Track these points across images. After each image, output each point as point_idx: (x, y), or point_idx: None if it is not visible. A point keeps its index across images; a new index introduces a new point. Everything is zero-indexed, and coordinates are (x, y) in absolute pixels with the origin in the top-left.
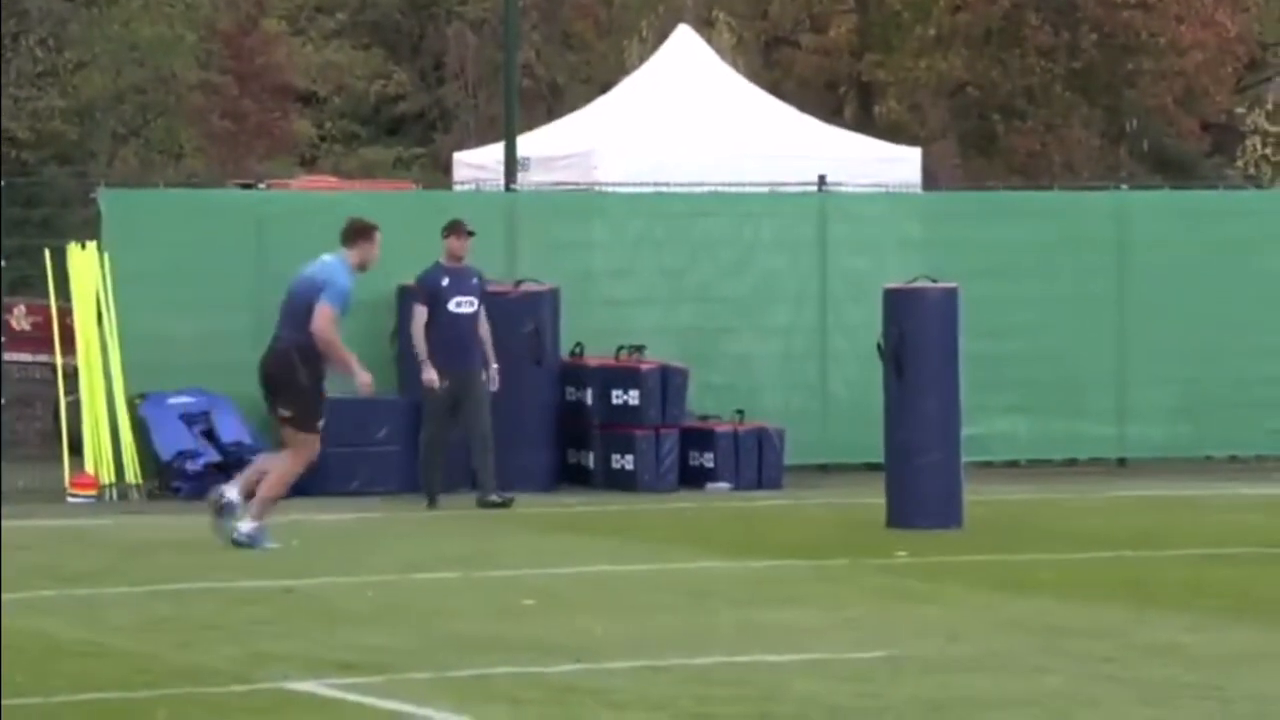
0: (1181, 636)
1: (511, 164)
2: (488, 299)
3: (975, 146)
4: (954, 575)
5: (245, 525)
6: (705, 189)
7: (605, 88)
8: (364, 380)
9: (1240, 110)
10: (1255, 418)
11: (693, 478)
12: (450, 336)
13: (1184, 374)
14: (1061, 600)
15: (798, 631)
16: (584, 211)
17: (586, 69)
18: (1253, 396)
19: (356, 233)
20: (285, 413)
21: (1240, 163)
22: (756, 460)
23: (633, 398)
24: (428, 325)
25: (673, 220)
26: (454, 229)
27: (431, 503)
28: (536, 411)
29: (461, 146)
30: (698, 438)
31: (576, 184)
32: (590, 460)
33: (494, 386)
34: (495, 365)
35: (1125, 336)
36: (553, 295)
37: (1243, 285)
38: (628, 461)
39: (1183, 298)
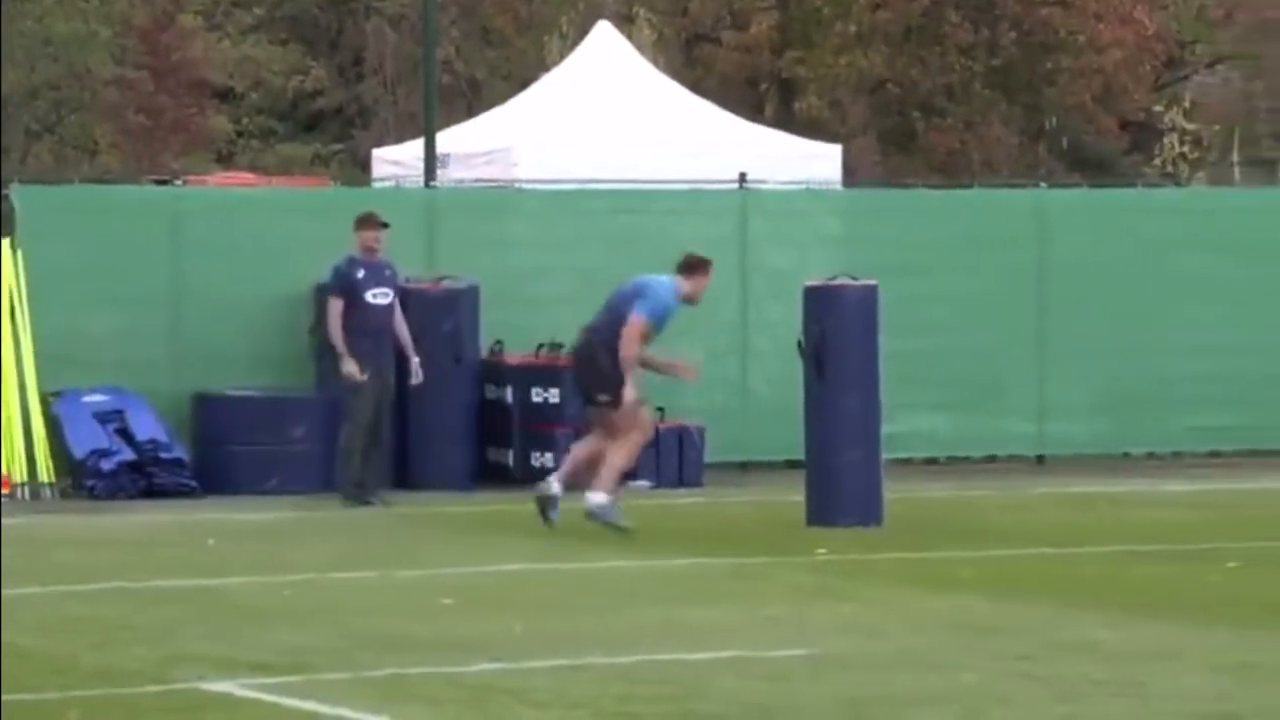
0: (1099, 633)
1: (431, 161)
2: (408, 295)
3: (895, 144)
4: (874, 573)
5: (597, 497)
6: (626, 186)
7: (525, 84)
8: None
9: (1158, 108)
10: (1174, 415)
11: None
12: (369, 328)
13: (1103, 371)
14: (980, 597)
15: (718, 629)
16: (504, 208)
17: (506, 65)
18: (1171, 394)
19: (693, 266)
20: (603, 398)
21: (1158, 160)
22: (677, 458)
23: (553, 395)
24: (344, 317)
25: (593, 217)
26: (366, 221)
27: (364, 500)
28: (456, 409)
29: (380, 143)
30: None
31: (496, 181)
32: (510, 458)
33: (418, 379)
34: (416, 359)
35: (1045, 334)
36: (472, 292)
37: (1162, 283)
38: (548, 459)
39: (1102, 296)
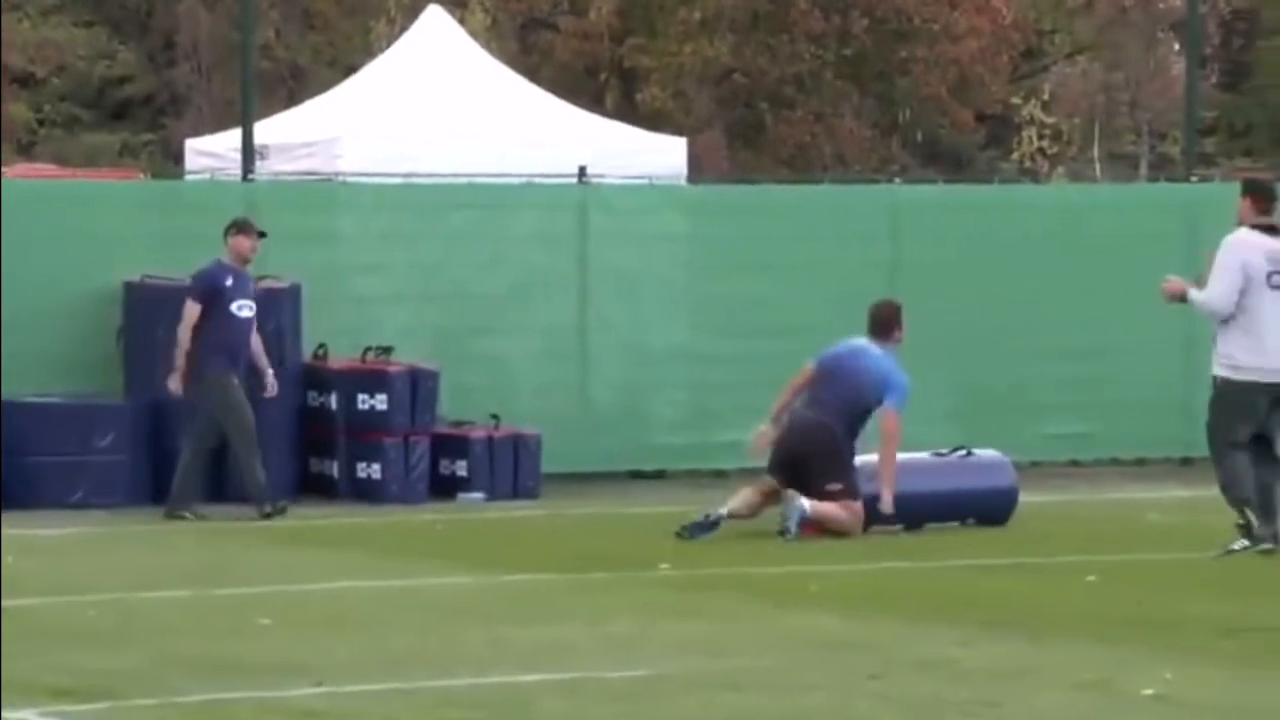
0: (953, 650)
1: (249, 152)
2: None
3: (743, 137)
4: (719, 588)
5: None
6: (458, 180)
7: (350, 71)
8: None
9: (1016, 101)
10: (1030, 422)
11: (444, 487)
12: (232, 340)
13: (958, 376)
14: (829, 614)
15: (554, 649)
16: (328, 203)
17: (330, 51)
18: (1028, 400)
19: (890, 321)
20: (834, 487)
21: (1016, 155)
22: (512, 468)
23: (380, 402)
24: (201, 326)
25: (423, 213)
26: (243, 227)
27: (189, 513)
28: (276, 417)
29: (194, 133)
30: (450, 445)
31: (319, 173)
32: (334, 469)
33: (272, 392)
34: (270, 371)
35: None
36: (294, 292)
37: (1020, 284)
38: (374, 470)
39: (957, 297)
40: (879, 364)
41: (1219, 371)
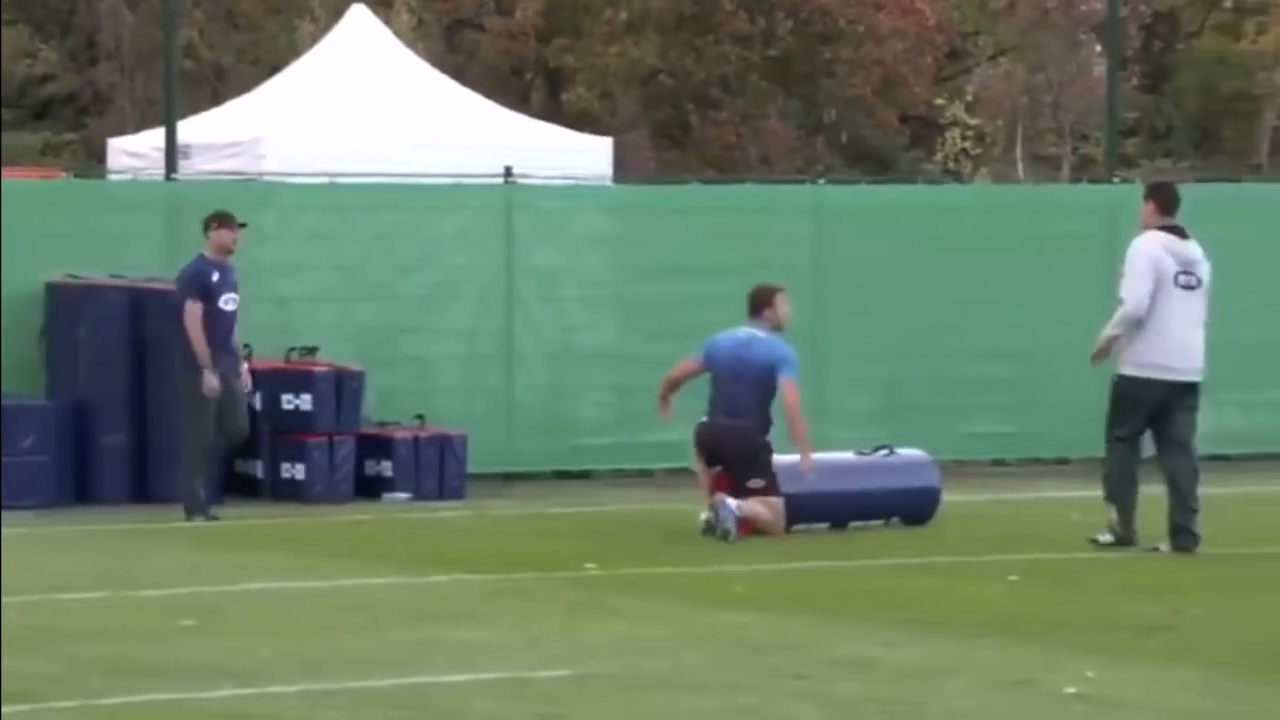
0: (877, 650)
1: (172, 151)
2: (147, 297)
3: (668, 137)
4: (645, 588)
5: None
6: (383, 180)
7: (274, 70)
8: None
9: (940, 102)
10: (952, 421)
11: (369, 488)
12: (221, 335)
13: (881, 375)
14: (755, 613)
15: (479, 650)
16: (252, 203)
17: (254, 50)
18: (950, 400)
19: (766, 299)
20: (757, 484)
21: (940, 156)
22: (438, 469)
23: (304, 402)
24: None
25: (348, 213)
26: (224, 220)
27: (204, 514)
28: None
29: (117, 132)
30: (375, 445)
31: (243, 173)
32: (259, 470)
33: (248, 386)
34: (246, 365)
35: (822, 336)
36: None
37: (942, 284)
38: (299, 471)
39: (881, 297)
40: (767, 346)
41: (1124, 369)
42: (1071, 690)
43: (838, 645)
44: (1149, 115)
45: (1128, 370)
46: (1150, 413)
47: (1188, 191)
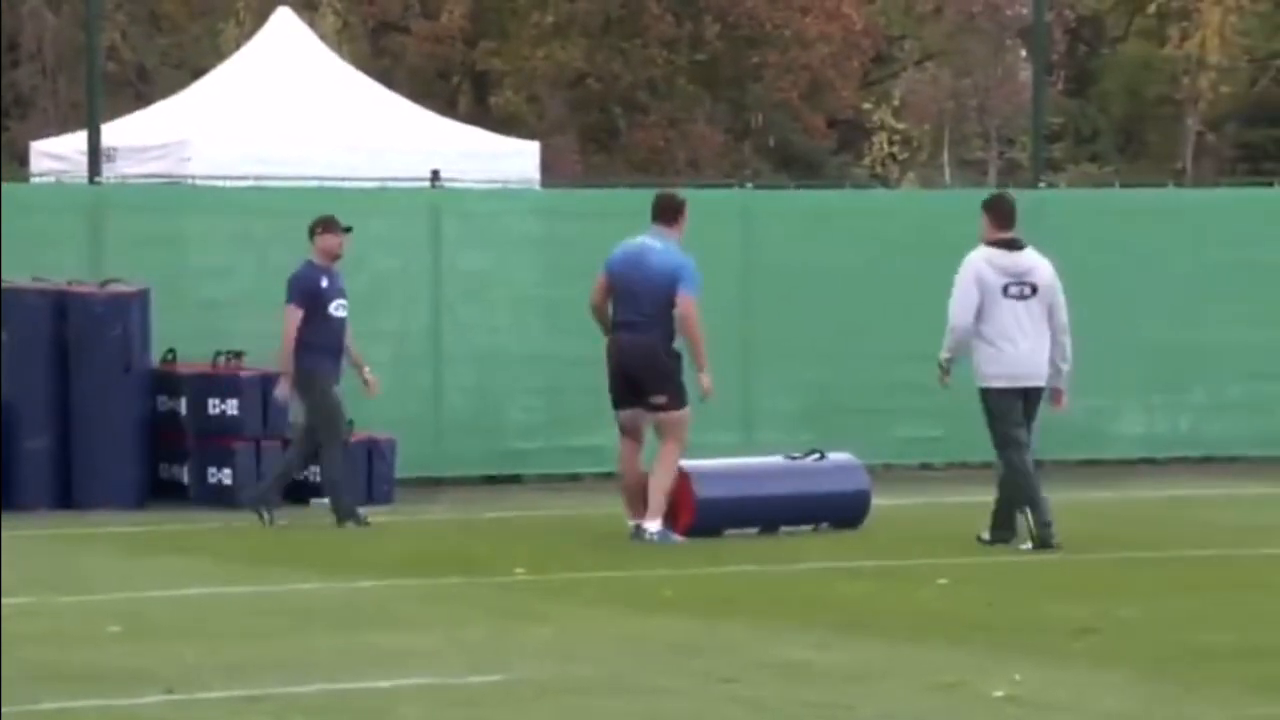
0: (807, 654)
1: (95, 155)
2: (69, 300)
3: (596, 141)
4: (574, 593)
5: (653, 525)
6: (309, 183)
7: (199, 73)
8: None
9: (867, 106)
10: (883, 425)
11: (296, 493)
12: (333, 342)
13: (810, 379)
14: (684, 617)
15: (407, 655)
16: (176, 206)
17: (178, 53)
18: (880, 403)
19: (674, 209)
20: (659, 400)
21: (867, 160)
22: (366, 473)
23: (231, 407)
24: (302, 330)
25: (274, 217)
26: (329, 225)
27: (356, 518)
28: (124, 423)
29: (39, 135)
30: None
31: (168, 176)
32: (185, 475)
33: (375, 389)
34: (367, 367)
35: (750, 340)
36: (142, 296)
37: (870, 288)
38: (225, 476)
39: (809, 301)
40: (665, 258)
41: (979, 384)
42: (1001, 693)
43: (768, 649)
44: (1074, 120)
45: (984, 383)
46: (1021, 414)
47: (1115, 196)
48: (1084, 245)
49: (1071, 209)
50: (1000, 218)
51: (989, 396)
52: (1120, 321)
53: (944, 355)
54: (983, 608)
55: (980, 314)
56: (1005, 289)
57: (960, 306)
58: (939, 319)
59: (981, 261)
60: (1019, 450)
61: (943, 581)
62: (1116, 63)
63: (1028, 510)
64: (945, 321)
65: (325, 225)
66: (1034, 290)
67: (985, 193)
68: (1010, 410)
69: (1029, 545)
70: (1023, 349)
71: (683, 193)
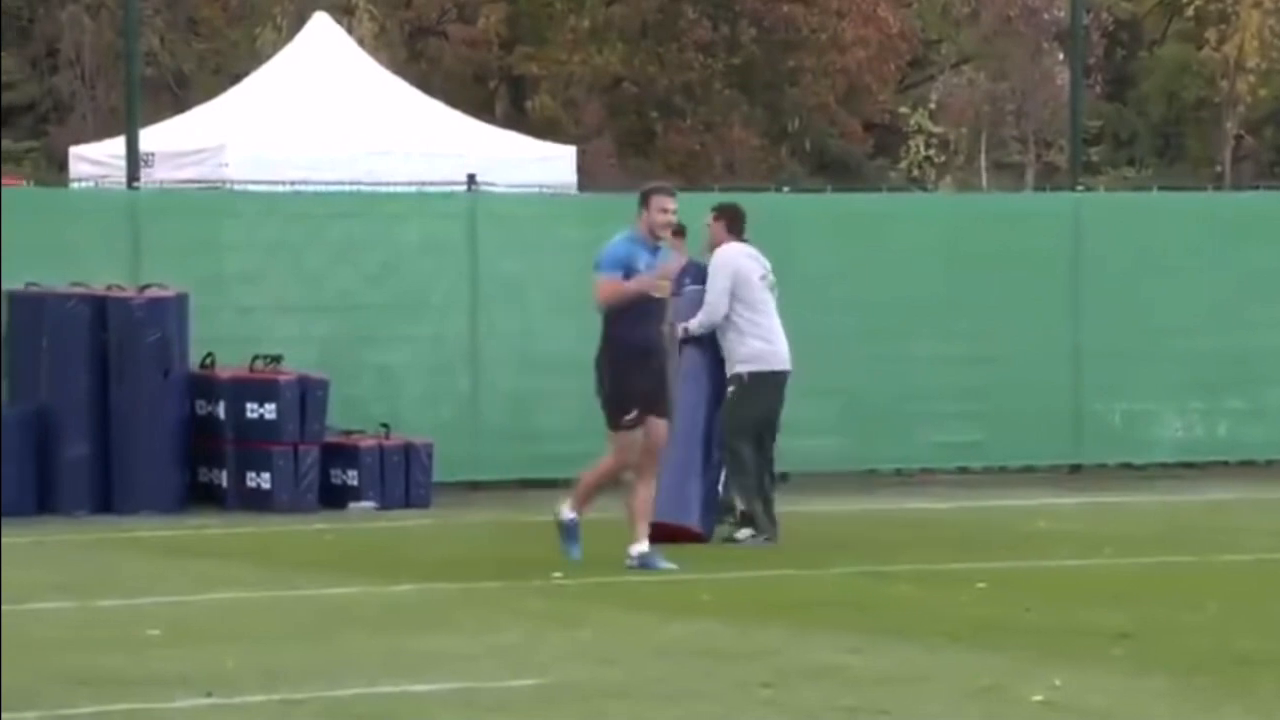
0: (844, 658)
1: (134, 160)
2: (109, 305)
3: (633, 145)
4: (611, 597)
5: (635, 548)
6: (346, 188)
7: (237, 79)
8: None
9: (904, 110)
10: (919, 430)
11: (334, 497)
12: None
13: (848, 385)
14: (721, 622)
15: (445, 659)
16: (214, 211)
17: (216, 58)
18: (917, 409)
19: (642, 198)
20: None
21: (904, 164)
22: (403, 477)
23: (269, 411)
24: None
25: (311, 222)
26: (659, 191)
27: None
28: (163, 427)
29: (78, 140)
30: (340, 454)
31: (206, 181)
32: (223, 479)
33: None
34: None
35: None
36: (181, 301)
37: (908, 292)
38: (264, 480)
39: (846, 305)
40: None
41: (740, 369)
42: (1039, 698)
43: (804, 653)
44: (1112, 123)
45: (747, 368)
46: (777, 405)
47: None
48: (1122, 249)
49: (1109, 213)
50: (735, 223)
51: (753, 382)
52: (1159, 326)
53: (685, 327)
54: (1021, 612)
55: (740, 304)
56: (763, 278)
57: (715, 297)
58: (976, 323)
59: (740, 255)
60: (749, 443)
61: (981, 585)
62: (1154, 66)
63: (753, 500)
64: (982, 326)
65: (655, 193)
66: (775, 285)
67: (1023, 196)
68: (766, 398)
69: (749, 533)
70: (781, 334)
71: (657, 183)
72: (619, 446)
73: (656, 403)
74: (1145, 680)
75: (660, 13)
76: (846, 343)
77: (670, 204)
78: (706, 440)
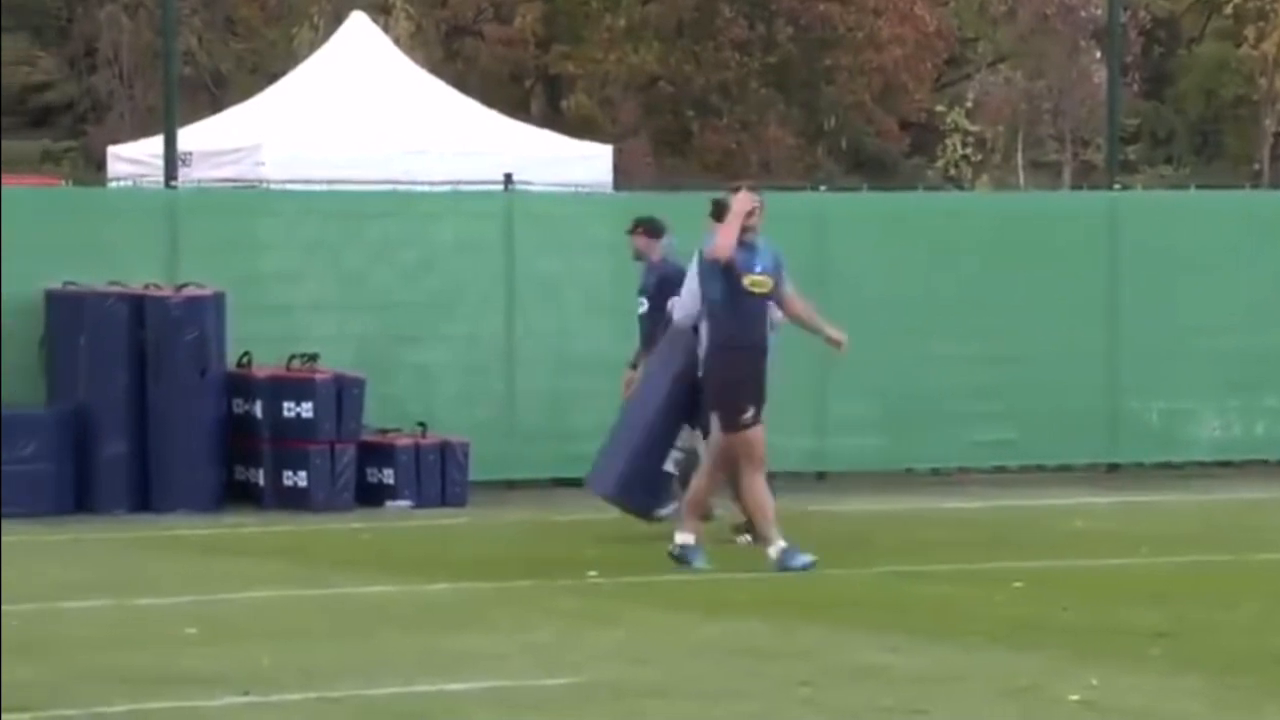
0: (883, 657)
1: (171, 159)
2: (146, 304)
3: (669, 144)
4: (647, 596)
5: (681, 537)
6: (382, 187)
7: (274, 78)
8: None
9: (940, 109)
10: (957, 429)
11: (371, 495)
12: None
13: (886, 384)
14: (758, 621)
15: (480, 658)
16: (251, 210)
17: (253, 58)
18: (954, 408)
19: (714, 213)
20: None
21: (940, 163)
22: (439, 476)
23: (306, 410)
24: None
25: (348, 220)
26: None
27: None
28: (200, 426)
29: (116, 140)
30: (376, 453)
31: (243, 181)
32: (260, 477)
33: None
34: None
35: (824, 345)
36: (218, 300)
37: (944, 291)
38: (300, 478)
39: (883, 304)
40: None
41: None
42: (1076, 698)
43: (842, 653)
44: (1150, 121)
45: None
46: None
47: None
48: (1160, 248)
49: (1147, 211)
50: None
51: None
52: (1197, 325)
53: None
54: (1058, 611)
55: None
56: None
57: (690, 290)
58: (1013, 322)
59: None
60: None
61: (1018, 585)
62: (1192, 64)
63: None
64: (1019, 325)
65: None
66: None
67: (1061, 195)
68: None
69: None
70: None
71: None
72: (739, 445)
73: (763, 403)
74: (1182, 679)
75: (696, 11)
76: (883, 341)
77: (753, 201)
78: (658, 425)
